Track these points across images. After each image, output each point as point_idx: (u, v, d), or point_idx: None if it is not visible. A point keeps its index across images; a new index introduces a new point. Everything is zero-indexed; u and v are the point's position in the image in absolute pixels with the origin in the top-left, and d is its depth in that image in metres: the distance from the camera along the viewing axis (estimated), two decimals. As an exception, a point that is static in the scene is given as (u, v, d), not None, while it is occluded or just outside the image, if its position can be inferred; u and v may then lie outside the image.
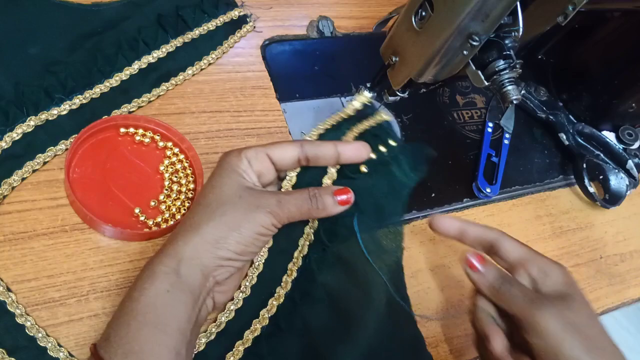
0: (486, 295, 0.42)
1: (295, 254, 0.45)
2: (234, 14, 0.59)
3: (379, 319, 0.45)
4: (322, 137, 0.47)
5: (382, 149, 0.47)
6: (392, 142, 0.48)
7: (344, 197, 0.41)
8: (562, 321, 0.38)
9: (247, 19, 0.60)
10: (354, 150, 0.43)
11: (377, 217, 0.46)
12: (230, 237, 0.37)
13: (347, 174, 0.45)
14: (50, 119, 0.46)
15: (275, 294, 0.43)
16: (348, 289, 0.45)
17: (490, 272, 0.42)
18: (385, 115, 0.51)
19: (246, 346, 0.41)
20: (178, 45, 0.55)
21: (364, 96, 0.51)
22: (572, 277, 0.43)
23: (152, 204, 0.46)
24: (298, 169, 0.44)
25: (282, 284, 0.44)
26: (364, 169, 0.46)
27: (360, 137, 0.48)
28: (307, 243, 0.45)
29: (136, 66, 0.51)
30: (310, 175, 0.44)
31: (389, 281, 0.45)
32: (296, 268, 0.44)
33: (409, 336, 0.47)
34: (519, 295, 0.40)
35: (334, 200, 0.41)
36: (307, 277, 0.45)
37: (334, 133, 0.47)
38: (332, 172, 0.45)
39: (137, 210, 0.45)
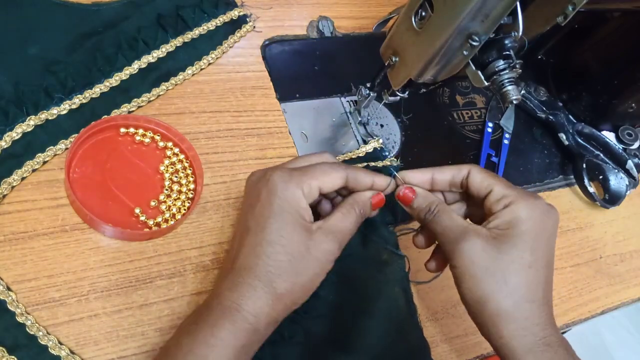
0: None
1: None
2: (234, 13, 0.59)
3: (382, 329, 0.46)
4: None
5: None
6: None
7: (376, 199, 0.43)
8: (474, 258, 0.38)
9: (247, 19, 0.60)
10: (387, 186, 0.43)
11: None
12: (305, 295, 0.39)
13: None
14: (50, 118, 0.46)
15: None
16: (350, 302, 0.47)
17: (418, 201, 0.42)
18: (391, 162, 0.55)
19: None
20: (178, 45, 0.54)
21: (377, 141, 0.55)
22: (539, 215, 0.39)
23: (153, 204, 0.46)
24: None
25: None
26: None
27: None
28: None
29: (136, 66, 0.51)
30: None
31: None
32: None
33: (413, 346, 0.47)
34: (445, 225, 0.40)
35: (371, 207, 0.42)
36: None
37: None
38: None
39: (137, 210, 0.45)
